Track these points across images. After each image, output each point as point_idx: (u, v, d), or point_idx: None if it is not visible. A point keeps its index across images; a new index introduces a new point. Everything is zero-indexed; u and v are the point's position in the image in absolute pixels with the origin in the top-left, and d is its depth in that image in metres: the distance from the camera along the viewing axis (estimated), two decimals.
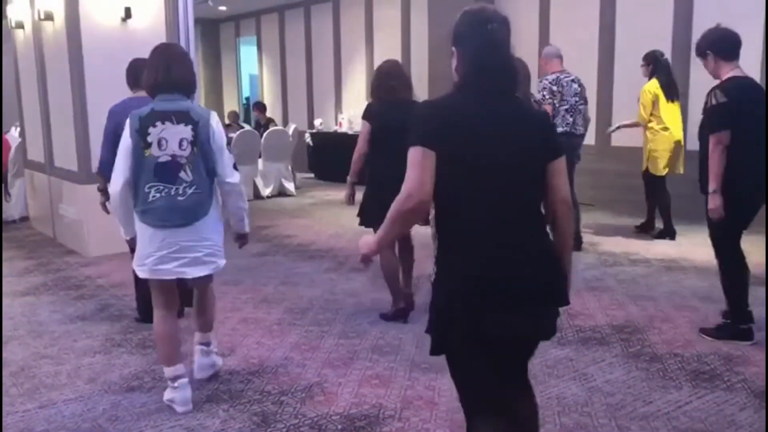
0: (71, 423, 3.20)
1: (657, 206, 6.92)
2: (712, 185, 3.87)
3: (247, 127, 10.85)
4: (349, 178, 4.61)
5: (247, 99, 16.45)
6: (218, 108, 15.40)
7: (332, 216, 8.53)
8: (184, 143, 3.19)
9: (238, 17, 15.33)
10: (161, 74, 3.24)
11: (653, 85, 6.63)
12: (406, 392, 3.44)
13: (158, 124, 3.17)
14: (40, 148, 7.37)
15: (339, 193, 10.50)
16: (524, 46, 9.29)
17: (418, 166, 2.03)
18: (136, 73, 4.66)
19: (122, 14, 6.37)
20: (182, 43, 6.93)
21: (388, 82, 4.50)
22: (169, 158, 3.17)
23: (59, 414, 3.29)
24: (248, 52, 15.61)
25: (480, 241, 2.05)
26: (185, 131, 3.19)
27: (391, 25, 11.33)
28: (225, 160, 3.28)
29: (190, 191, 3.19)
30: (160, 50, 3.36)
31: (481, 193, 2.05)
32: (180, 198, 3.17)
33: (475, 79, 2.12)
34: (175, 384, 3.30)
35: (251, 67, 15.81)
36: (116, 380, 3.67)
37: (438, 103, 2.16)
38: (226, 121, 11.36)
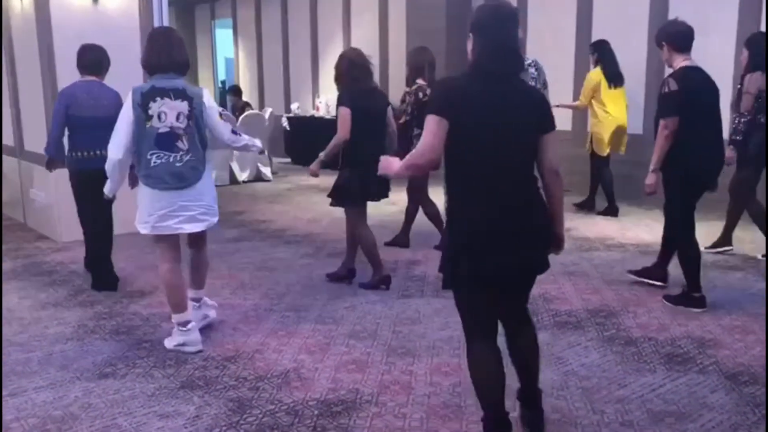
0: (42, 411, 3.14)
1: (600, 185, 7.33)
2: (653, 164, 4.30)
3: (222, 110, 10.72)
4: (322, 156, 4.74)
5: (223, 82, 16.25)
6: None
7: (309, 201, 8.47)
8: (181, 117, 3.66)
9: None
10: (164, 56, 3.70)
11: (597, 73, 7.04)
12: (383, 377, 3.43)
13: (158, 99, 3.63)
14: (10, 132, 7.20)
15: (316, 178, 10.43)
16: None
17: (432, 132, 2.47)
18: (89, 58, 4.92)
19: None
20: (156, 25, 6.81)
21: (353, 72, 4.67)
22: (168, 129, 3.64)
23: (29, 402, 3.23)
24: (224, 35, 15.40)
25: (480, 196, 2.51)
26: (182, 106, 3.66)
27: (368, 8, 11.24)
28: (223, 128, 3.85)
29: (186, 158, 3.68)
30: (160, 34, 3.88)
31: (482, 157, 2.50)
32: (178, 164, 3.66)
33: (486, 64, 2.53)
34: (186, 327, 3.79)
35: (227, 51, 15.61)
36: (89, 367, 3.61)
37: (453, 80, 2.64)
38: None
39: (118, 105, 4.73)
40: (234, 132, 3.95)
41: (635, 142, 7.63)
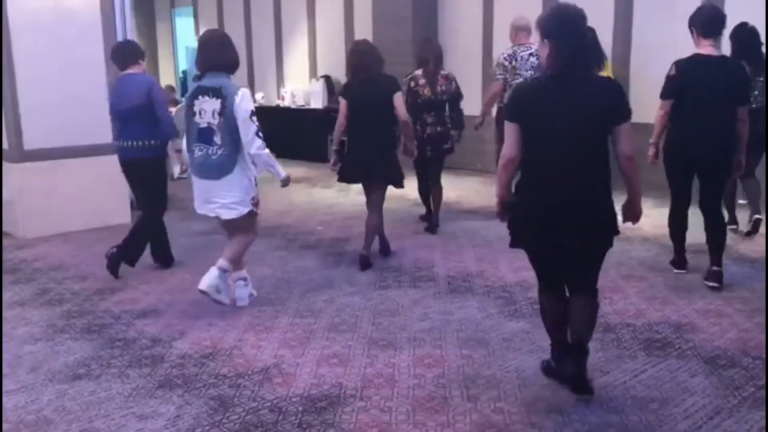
0: (14, 416, 3.02)
1: None
2: (652, 139, 4.59)
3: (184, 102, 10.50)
4: (333, 147, 5.27)
5: (185, 72, 15.90)
6: None
7: (279, 193, 8.22)
8: (215, 113, 3.95)
9: None
10: (215, 56, 4.01)
11: None
12: (366, 370, 3.39)
13: (200, 97, 3.99)
14: None
15: (285, 169, 10.28)
16: (467, 24, 9.26)
17: (508, 135, 2.92)
18: (115, 52, 5.06)
19: None
20: (117, 13, 6.65)
21: (363, 62, 5.01)
22: (206, 125, 3.98)
23: None
24: (184, 24, 15.07)
25: (541, 183, 2.88)
26: (216, 104, 3.95)
27: None
28: (246, 130, 3.96)
29: (219, 152, 3.99)
30: (211, 37, 4.16)
31: (545, 150, 2.85)
32: (213, 157, 4.00)
33: (562, 65, 2.79)
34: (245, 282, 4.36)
35: (188, 39, 15.27)
36: (61, 368, 3.50)
37: (524, 86, 3.15)
38: None
39: (143, 95, 4.83)
40: (258, 136, 3.99)
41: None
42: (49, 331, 4.01)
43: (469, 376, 3.31)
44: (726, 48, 4.96)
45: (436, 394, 3.13)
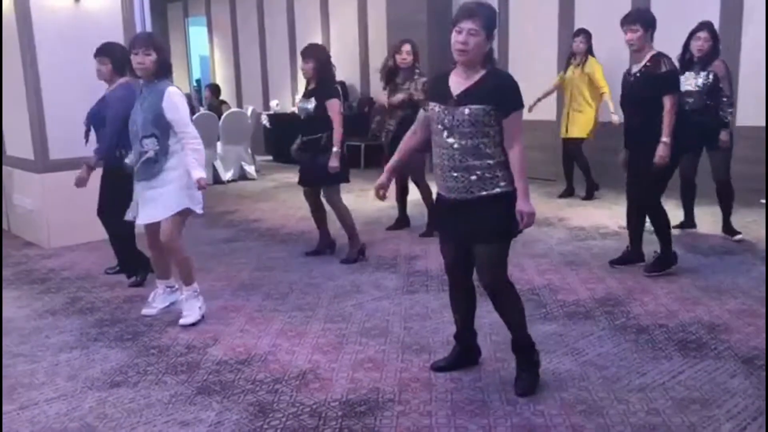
0: (57, 423, 3.05)
1: (581, 169, 7.60)
2: (666, 137, 4.49)
3: (203, 110, 10.57)
4: (337, 149, 5.29)
5: (198, 81, 16.00)
6: None
7: (297, 198, 8.30)
8: None
9: None
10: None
11: (597, 61, 7.43)
12: (402, 375, 3.40)
13: None
14: None
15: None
16: None
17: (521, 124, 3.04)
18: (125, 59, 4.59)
19: None
20: (137, 24, 6.68)
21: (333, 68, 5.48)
22: None
23: (43, 414, 3.13)
24: (198, 33, 15.17)
25: None
26: None
27: (347, 1, 11.13)
28: None
29: None
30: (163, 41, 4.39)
31: None
32: None
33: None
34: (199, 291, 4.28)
35: (202, 49, 15.37)
36: (98, 376, 3.52)
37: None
38: None
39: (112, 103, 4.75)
40: None
41: (613, 129, 7.62)
42: (83, 339, 4.03)
43: (506, 379, 3.30)
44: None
45: (475, 398, 3.13)
